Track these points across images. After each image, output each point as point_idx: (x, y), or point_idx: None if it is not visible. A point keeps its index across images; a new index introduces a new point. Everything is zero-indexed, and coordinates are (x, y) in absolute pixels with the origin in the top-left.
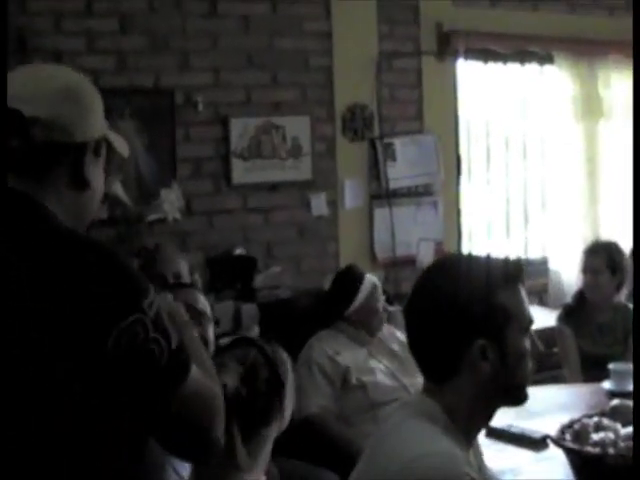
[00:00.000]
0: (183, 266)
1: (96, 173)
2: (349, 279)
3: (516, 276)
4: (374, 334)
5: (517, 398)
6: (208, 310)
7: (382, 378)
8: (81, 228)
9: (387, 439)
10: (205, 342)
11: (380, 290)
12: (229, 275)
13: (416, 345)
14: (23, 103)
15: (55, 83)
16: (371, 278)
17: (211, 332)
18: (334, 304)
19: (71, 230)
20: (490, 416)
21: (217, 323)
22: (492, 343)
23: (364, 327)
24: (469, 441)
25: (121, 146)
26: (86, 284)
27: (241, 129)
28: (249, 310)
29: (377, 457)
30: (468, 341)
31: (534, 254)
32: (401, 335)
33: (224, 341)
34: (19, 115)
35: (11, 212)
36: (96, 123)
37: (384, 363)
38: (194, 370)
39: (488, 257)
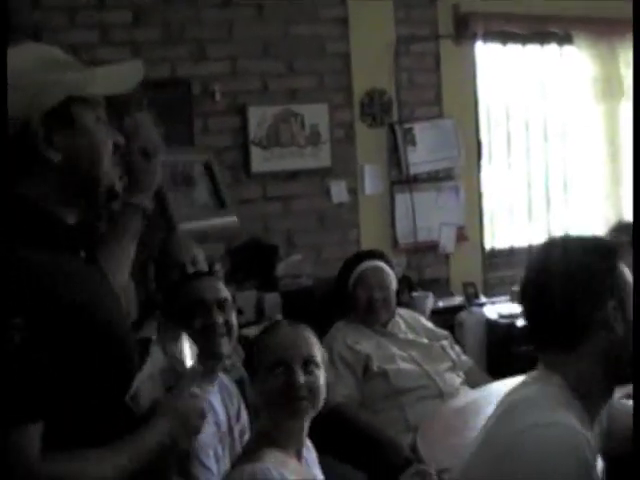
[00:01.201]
0: (199, 252)
1: (73, 141)
2: (342, 268)
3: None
4: (385, 322)
5: (626, 372)
6: (229, 297)
7: (404, 365)
8: (93, 198)
9: (503, 414)
10: (229, 328)
11: (372, 279)
12: (250, 265)
13: (541, 316)
14: None
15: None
16: (361, 267)
17: (234, 318)
18: (339, 294)
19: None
20: (610, 392)
21: (240, 312)
22: (618, 308)
23: (372, 315)
24: (591, 420)
25: (111, 85)
26: None
27: (259, 118)
28: (271, 299)
29: (492, 429)
30: (602, 302)
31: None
32: (425, 321)
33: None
34: None
35: None
36: (36, 96)
37: (405, 350)
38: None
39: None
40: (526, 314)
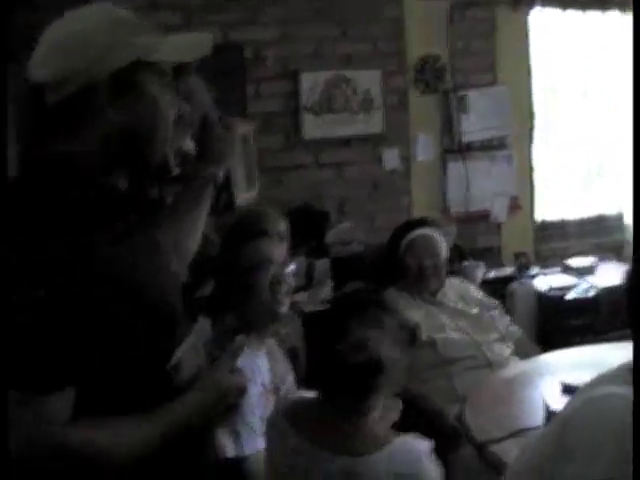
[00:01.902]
0: (285, 227)
1: (137, 107)
2: (393, 235)
3: None
4: (435, 291)
5: None
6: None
7: (453, 334)
8: (152, 162)
9: (591, 382)
10: (288, 291)
11: (423, 247)
12: (301, 231)
13: None
14: (33, 69)
15: (53, 37)
16: (412, 235)
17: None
18: (389, 262)
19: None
20: None
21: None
22: None
23: (421, 283)
24: None
25: (180, 53)
26: None
27: (311, 83)
28: (322, 265)
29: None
30: None
31: (610, 210)
32: (475, 290)
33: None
34: (27, 82)
35: None
36: (104, 58)
37: (454, 319)
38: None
39: None
40: None
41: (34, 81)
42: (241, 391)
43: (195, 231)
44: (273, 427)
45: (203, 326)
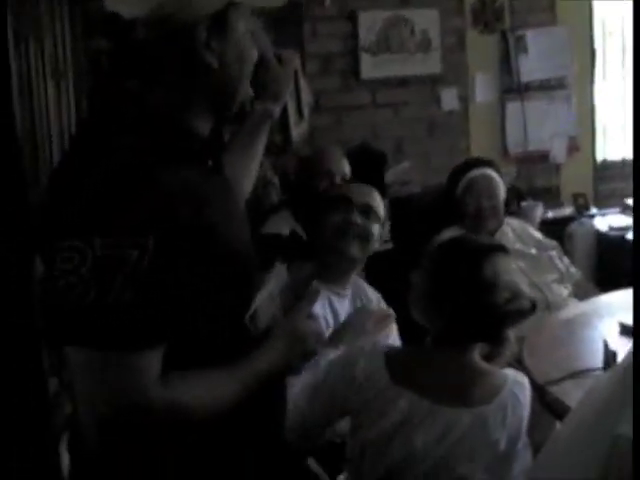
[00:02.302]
0: (348, 170)
1: (226, 48)
2: (451, 175)
3: None
4: (493, 231)
5: None
6: (380, 210)
7: None
8: (228, 108)
9: None
10: (367, 236)
11: (482, 187)
12: (359, 171)
13: None
14: (119, 4)
15: None
16: (470, 175)
17: (376, 230)
18: (447, 202)
19: (123, 145)
20: None
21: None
22: None
23: (479, 224)
24: None
25: None
26: (61, 194)
27: (369, 23)
28: None
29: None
30: None
31: None
32: (533, 231)
33: None
34: (117, 18)
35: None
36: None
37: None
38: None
39: None
40: None
41: (125, 15)
42: (319, 337)
43: (251, 171)
44: (370, 381)
45: (280, 273)
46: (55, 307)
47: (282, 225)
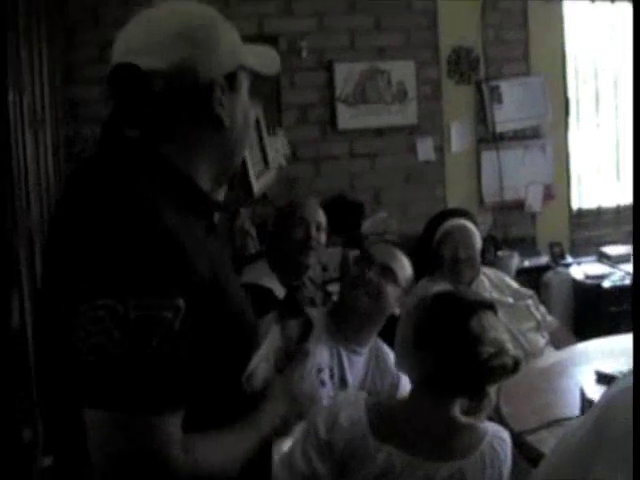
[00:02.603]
0: (324, 218)
1: (234, 107)
2: (427, 227)
3: None
4: (469, 281)
5: None
6: (401, 274)
7: None
8: (230, 167)
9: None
10: (378, 293)
11: (458, 238)
12: (336, 221)
13: None
14: (138, 55)
15: (168, 27)
16: (446, 225)
17: (392, 291)
18: (423, 252)
19: (143, 199)
20: None
21: (325, 269)
22: None
23: (456, 274)
24: None
25: (266, 65)
26: (89, 249)
27: (346, 74)
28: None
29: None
30: None
31: None
32: (510, 280)
33: None
34: (136, 69)
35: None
36: (221, 57)
37: None
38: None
39: None
40: None
41: (143, 67)
42: (312, 398)
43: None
44: (353, 437)
45: (274, 333)
46: (80, 368)
47: (259, 275)
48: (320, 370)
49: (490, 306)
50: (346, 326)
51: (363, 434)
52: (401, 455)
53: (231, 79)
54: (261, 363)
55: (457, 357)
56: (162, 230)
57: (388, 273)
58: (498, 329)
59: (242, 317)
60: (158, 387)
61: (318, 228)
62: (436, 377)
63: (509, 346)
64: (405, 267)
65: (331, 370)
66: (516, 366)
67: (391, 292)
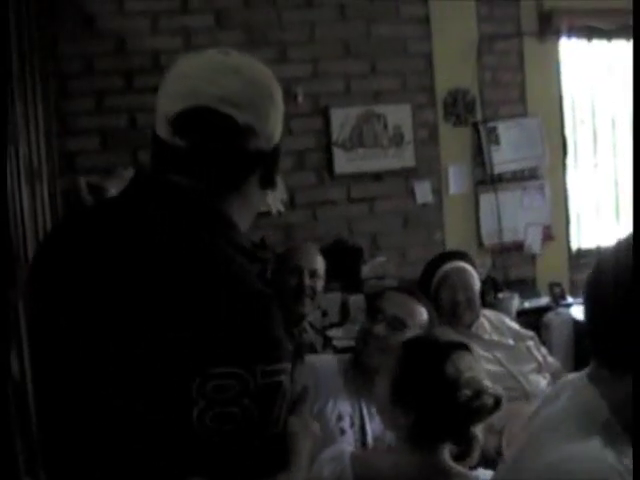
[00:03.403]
0: (321, 265)
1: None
2: (425, 270)
3: None
4: (470, 324)
5: None
6: (416, 323)
7: (488, 366)
8: (250, 221)
9: (539, 432)
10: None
11: (456, 281)
12: (335, 266)
13: (600, 323)
14: (236, 109)
15: (262, 88)
16: (445, 268)
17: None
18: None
19: (233, 258)
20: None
21: (325, 314)
22: None
23: (456, 317)
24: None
25: None
26: (206, 315)
27: (342, 119)
28: (356, 301)
29: (518, 460)
30: None
31: None
32: (510, 322)
33: None
34: (234, 123)
35: (188, 225)
36: (281, 120)
37: (490, 351)
38: None
39: None
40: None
41: (242, 122)
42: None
43: None
44: None
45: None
46: (209, 440)
47: None
48: (340, 418)
49: (463, 346)
50: (364, 380)
51: None
52: None
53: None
54: None
55: (436, 405)
56: (262, 290)
57: (397, 324)
58: (474, 368)
59: None
60: (278, 451)
61: (313, 275)
62: (419, 427)
63: (487, 384)
64: (416, 313)
65: (351, 419)
66: (497, 403)
67: None
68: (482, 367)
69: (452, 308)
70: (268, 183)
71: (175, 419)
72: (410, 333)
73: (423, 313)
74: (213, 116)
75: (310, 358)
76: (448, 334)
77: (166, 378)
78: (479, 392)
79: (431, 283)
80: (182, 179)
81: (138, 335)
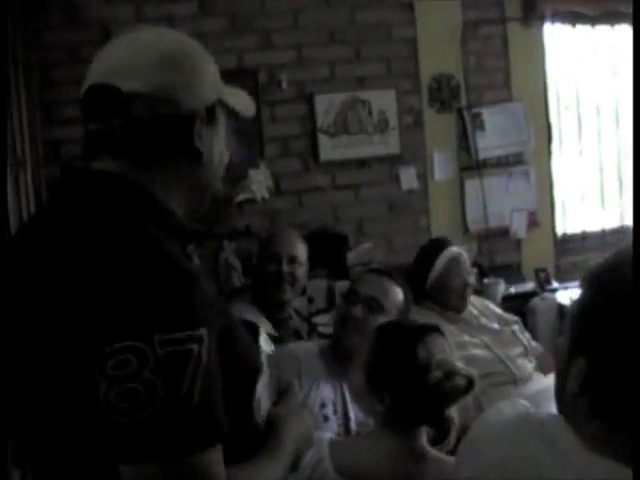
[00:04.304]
0: (302, 251)
1: (212, 142)
2: (425, 254)
3: None
4: (459, 310)
5: None
6: (390, 302)
7: (476, 351)
8: (202, 203)
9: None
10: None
11: (463, 264)
12: (321, 253)
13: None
14: (119, 77)
15: (152, 51)
16: (449, 252)
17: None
18: (414, 281)
19: (142, 232)
20: None
21: (311, 301)
22: None
23: (446, 303)
24: None
25: (243, 105)
26: (107, 290)
27: (326, 105)
28: (342, 288)
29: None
30: None
31: (630, 220)
32: (494, 307)
33: None
34: (116, 91)
35: (99, 198)
36: (204, 89)
37: (477, 336)
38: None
39: None
40: None
41: (124, 89)
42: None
43: None
44: (316, 472)
45: (271, 368)
46: (108, 420)
47: (243, 310)
48: (323, 405)
49: (435, 328)
50: (344, 363)
51: (327, 474)
52: None
53: (210, 113)
54: (263, 391)
55: (410, 388)
56: (171, 261)
57: (375, 305)
58: (446, 350)
59: (248, 349)
60: (202, 423)
61: (292, 261)
62: (394, 412)
63: (459, 365)
64: (392, 294)
65: (334, 405)
66: (470, 384)
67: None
68: (454, 349)
69: (462, 292)
70: (193, 154)
71: (87, 403)
72: (388, 315)
73: (399, 293)
74: (102, 90)
75: (291, 346)
76: (435, 320)
77: (72, 363)
78: (450, 373)
79: (431, 270)
80: (102, 163)
81: (42, 320)
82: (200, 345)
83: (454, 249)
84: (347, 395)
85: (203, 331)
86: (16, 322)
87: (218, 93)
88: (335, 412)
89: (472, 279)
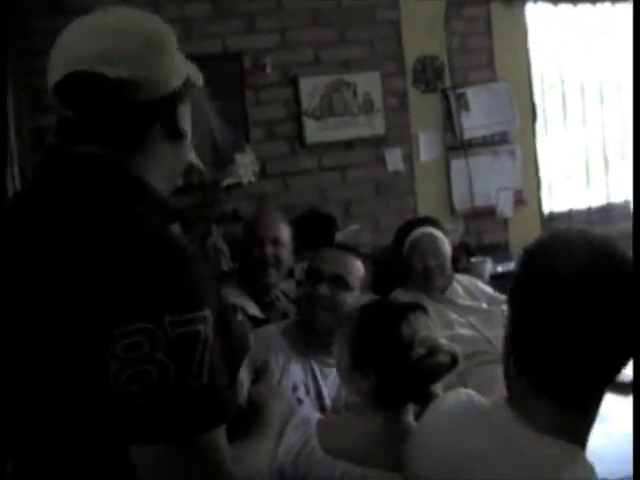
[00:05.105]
0: (284, 232)
1: (187, 119)
2: (395, 236)
3: None
4: (443, 289)
5: None
6: (354, 277)
7: (462, 330)
8: (177, 179)
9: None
10: (335, 307)
11: (427, 246)
12: (308, 236)
13: None
14: (105, 65)
15: (136, 37)
16: (414, 234)
17: (349, 299)
18: (396, 262)
19: (137, 212)
20: None
21: (299, 284)
22: None
23: (428, 283)
24: None
25: (197, 76)
26: (106, 275)
27: (311, 88)
28: None
29: None
30: None
31: (616, 198)
32: (484, 286)
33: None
34: (103, 78)
35: (91, 184)
36: (180, 65)
37: (464, 316)
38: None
39: None
40: None
41: (111, 75)
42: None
43: None
44: (307, 458)
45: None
46: (127, 401)
47: (231, 293)
48: (295, 388)
49: (420, 307)
50: (312, 342)
51: (315, 453)
52: (355, 469)
53: (183, 89)
54: (244, 372)
55: (394, 366)
56: (172, 243)
57: (339, 281)
58: (430, 328)
59: (237, 328)
60: (209, 404)
61: (276, 243)
62: (380, 389)
63: (442, 342)
64: (354, 269)
65: (306, 386)
66: (454, 361)
67: (347, 299)
68: (437, 327)
69: (424, 274)
70: (174, 133)
71: (94, 386)
72: (352, 290)
73: (360, 268)
74: (87, 78)
75: (257, 331)
76: (421, 300)
77: (81, 346)
78: (433, 350)
79: (402, 250)
80: (84, 148)
81: (47, 304)
82: (206, 325)
83: (421, 231)
84: (317, 373)
85: (207, 311)
86: (18, 311)
87: (185, 68)
88: (308, 393)
89: (438, 261)
